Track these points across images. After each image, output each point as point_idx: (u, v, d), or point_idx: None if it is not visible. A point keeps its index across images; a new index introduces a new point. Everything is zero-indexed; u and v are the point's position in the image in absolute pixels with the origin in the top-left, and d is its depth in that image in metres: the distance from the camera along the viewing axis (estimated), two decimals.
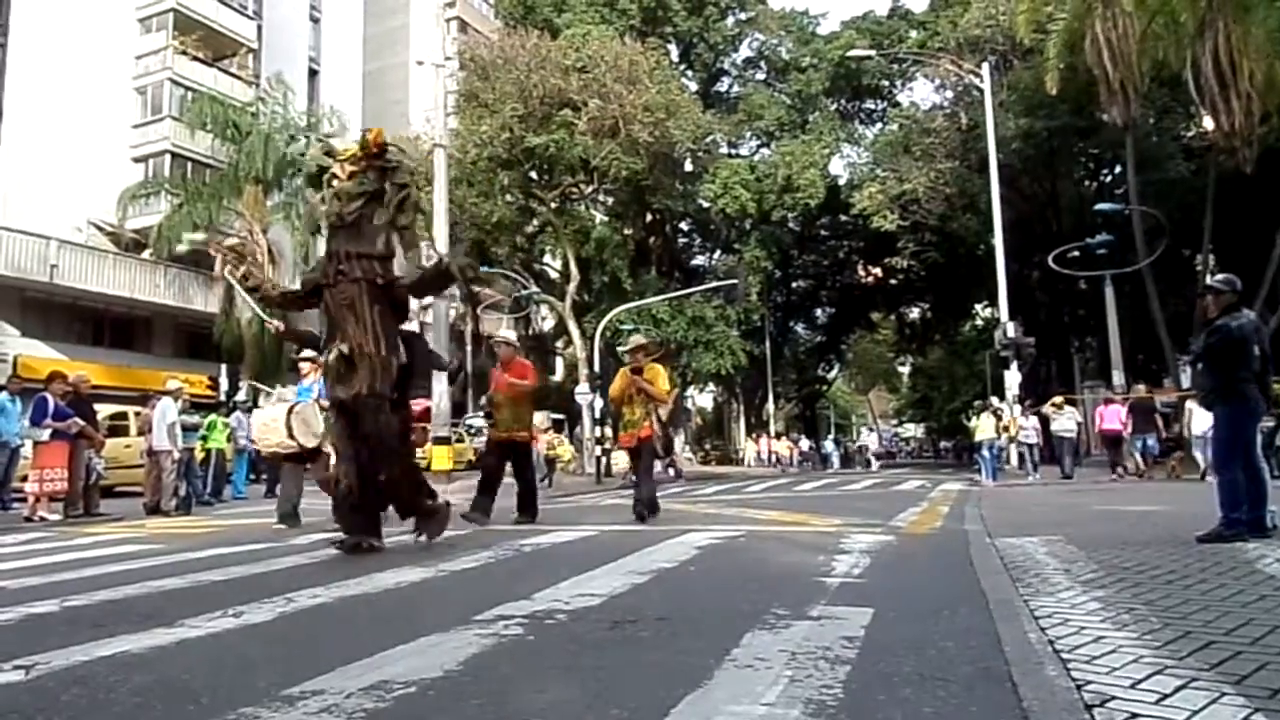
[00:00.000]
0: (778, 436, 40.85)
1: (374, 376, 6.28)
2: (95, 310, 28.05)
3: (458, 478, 20.36)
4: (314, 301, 6.77)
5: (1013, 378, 20.81)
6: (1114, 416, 18.05)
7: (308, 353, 9.02)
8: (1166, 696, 2.36)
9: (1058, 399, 18.64)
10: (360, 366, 6.28)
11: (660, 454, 9.47)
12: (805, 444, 43.50)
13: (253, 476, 17.94)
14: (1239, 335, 5.89)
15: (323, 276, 6.56)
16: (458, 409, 23.78)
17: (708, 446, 48.81)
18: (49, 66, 27.41)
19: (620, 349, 9.30)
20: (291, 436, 8.54)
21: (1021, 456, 19.08)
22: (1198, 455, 16.58)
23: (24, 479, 11.26)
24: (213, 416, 15.88)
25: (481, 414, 10.15)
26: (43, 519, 10.42)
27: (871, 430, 42.37)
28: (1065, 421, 17.70)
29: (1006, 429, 19.00)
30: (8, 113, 27.68)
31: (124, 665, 2.96)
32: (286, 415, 8.66)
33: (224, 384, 26.55)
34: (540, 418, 29.67)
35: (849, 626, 3.36)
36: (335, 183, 6.63)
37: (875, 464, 38.90)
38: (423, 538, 6.70)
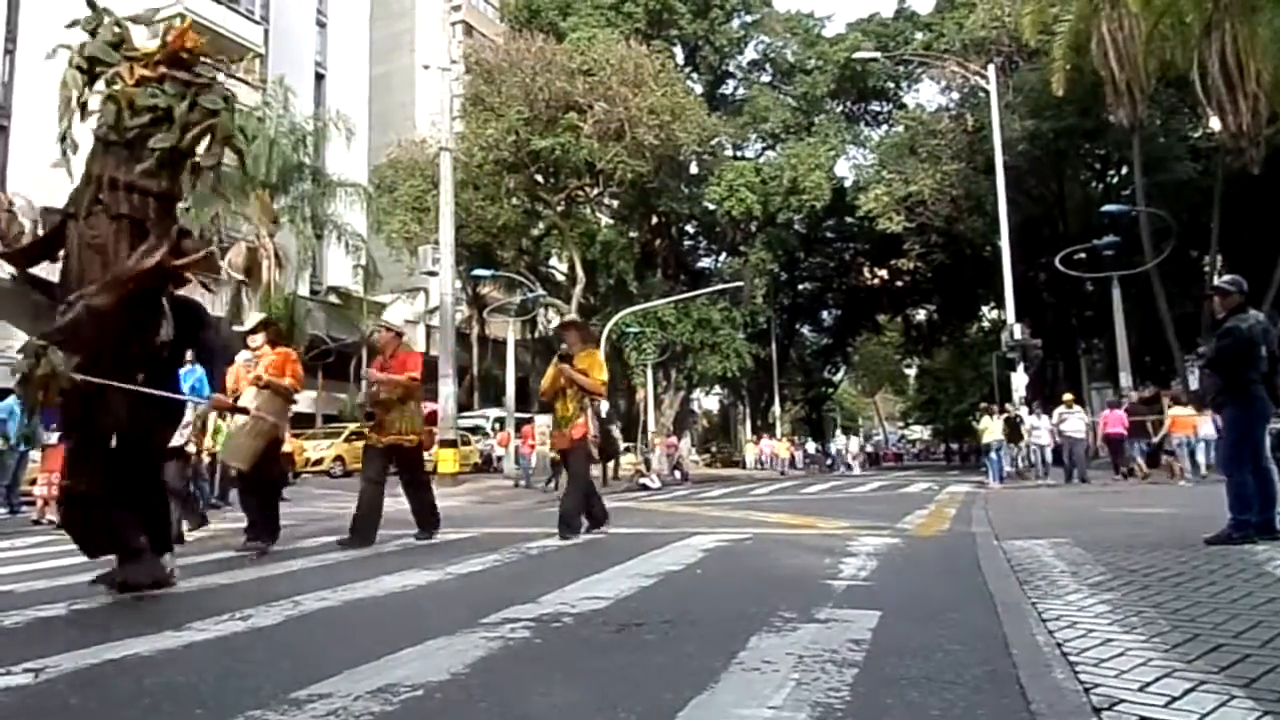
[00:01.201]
0: (781, 437, 40.76)
1: (94, 340, 4.42)
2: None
3: (464, 480, 20.44)
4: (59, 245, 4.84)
5: (1019, 380, 20.73)
6: (1117, 421, 18.27)
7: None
8: (1175, 699, 2.35)
9: (1068, 397, 18.30)
10: (83, 328, 4.39)
11: (596, 457, 8.10)
12: (811, 446, 43.36)
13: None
14: (1249, 337, 5.87)
15: (72, 205, 4.87)
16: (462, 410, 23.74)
17: (713, 449, 48.81)
18: (57, 73, 27.40)
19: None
20: None
21: (1030, 460, 18.90)
22: (1185, 459, 17.22)
23: (32, 482, 11.31)
24: (218, 422, 15.89)
25: (363, 414, 8.26)
26: (51, 522, 10.46)
27: (851, 434, 41.95)
28: (1075, 422, 17.39)
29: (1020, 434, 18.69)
30: (16, 118, 27.82)
31: (132, 668, 2.96)
32: None
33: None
34: (544, 420, 29.85)
35: (856, 629, 3.35)
36: (118, 85, 5.01)
37: (855, 467, 38.45)
38: (99, 586, 4.74)
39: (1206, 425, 17.79)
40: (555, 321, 41.19)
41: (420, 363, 7.73)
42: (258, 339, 7.22)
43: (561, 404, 7.50)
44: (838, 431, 45.37)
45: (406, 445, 7.45)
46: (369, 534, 7.18)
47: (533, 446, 23.20)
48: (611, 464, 21.13)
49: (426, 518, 7.70)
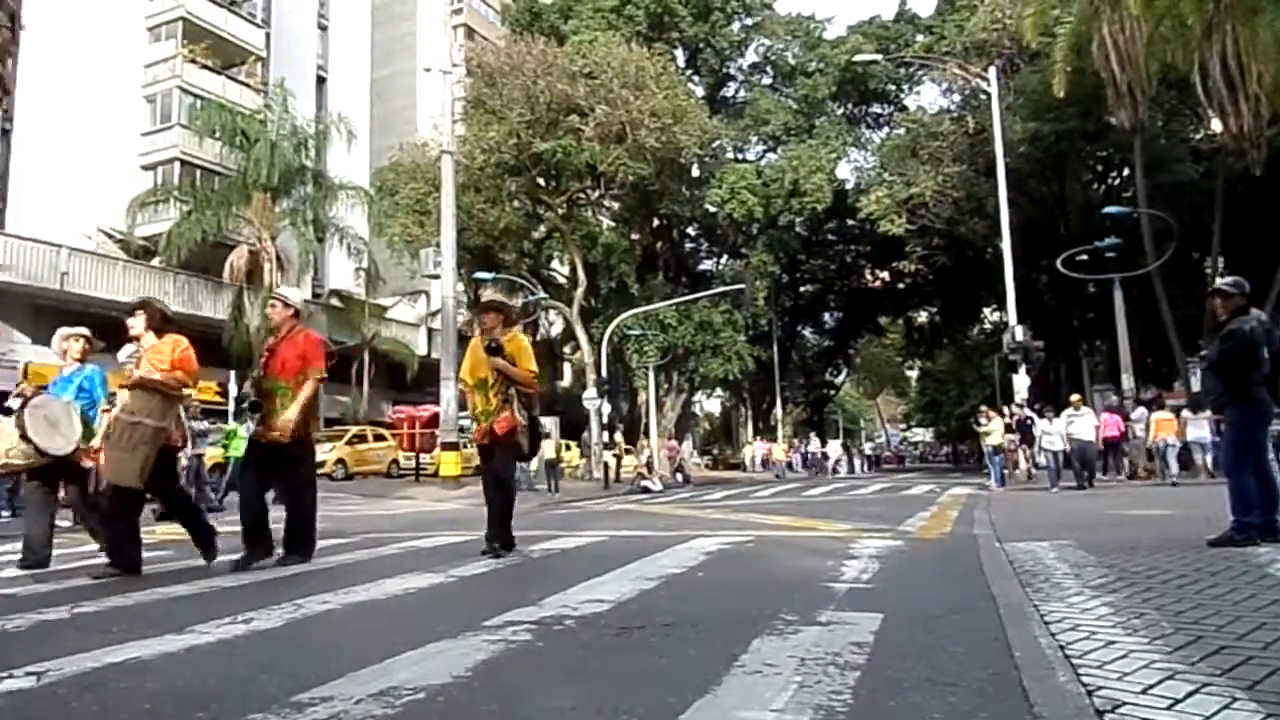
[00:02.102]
0: (783, 440, 40.75)
1: None
2: (105, 317, 28.02)
3: (466, 483, 20.43)
4: None
5: (1021, 382, 20.72)
6: (1114, 424, 18.50)
7: (80, 330, 6.76)
8: (1178, 702, 2.35)
9: (1076, 398, 17.74)
10: None
11: (523, 455, 7.00)
12: (814, 446, 43.21)
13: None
14: (1251, 339, 5.86)
15: None
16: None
17: (715, 452, 48.80)
18: (59, 75, 27.60)
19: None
20: (26, 439, 6.00)
21: (1038, 463, 18.60)
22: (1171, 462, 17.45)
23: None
24: (234, 425, 16.05)
25: (245, 406, 6.99)
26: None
27: (830, 437, 41.59)
28: (1084, 424, 16.69)
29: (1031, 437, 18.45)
30: (18, 121, 27.88)
31: (134, 671, 2.97)
32: (19, 412, 6.17)
33: (233, 390, 26.64)
34: (550, 423, 29.87)
35: (858, 632, 3.35)
36: None
37: (843, 470, 38.17)
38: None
39: (1200, 428, 18.02)
40: (557, 325, 41.44)
41: (321, 351, 6.28)
42: (137, 323, 5.87)
43: (483, 395, 6.49)
44: (813, 434, 44.97)
45: (288, 441, 6.06)
46: (269, 547, 6.13)
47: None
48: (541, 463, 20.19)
49: (297, 536, 6.21)
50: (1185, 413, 18.64)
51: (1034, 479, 18.22)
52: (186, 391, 6.11)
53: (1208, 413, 18.65)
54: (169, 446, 5.89)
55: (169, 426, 5.75)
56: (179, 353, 5.80)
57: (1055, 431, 17.00)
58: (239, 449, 15.52)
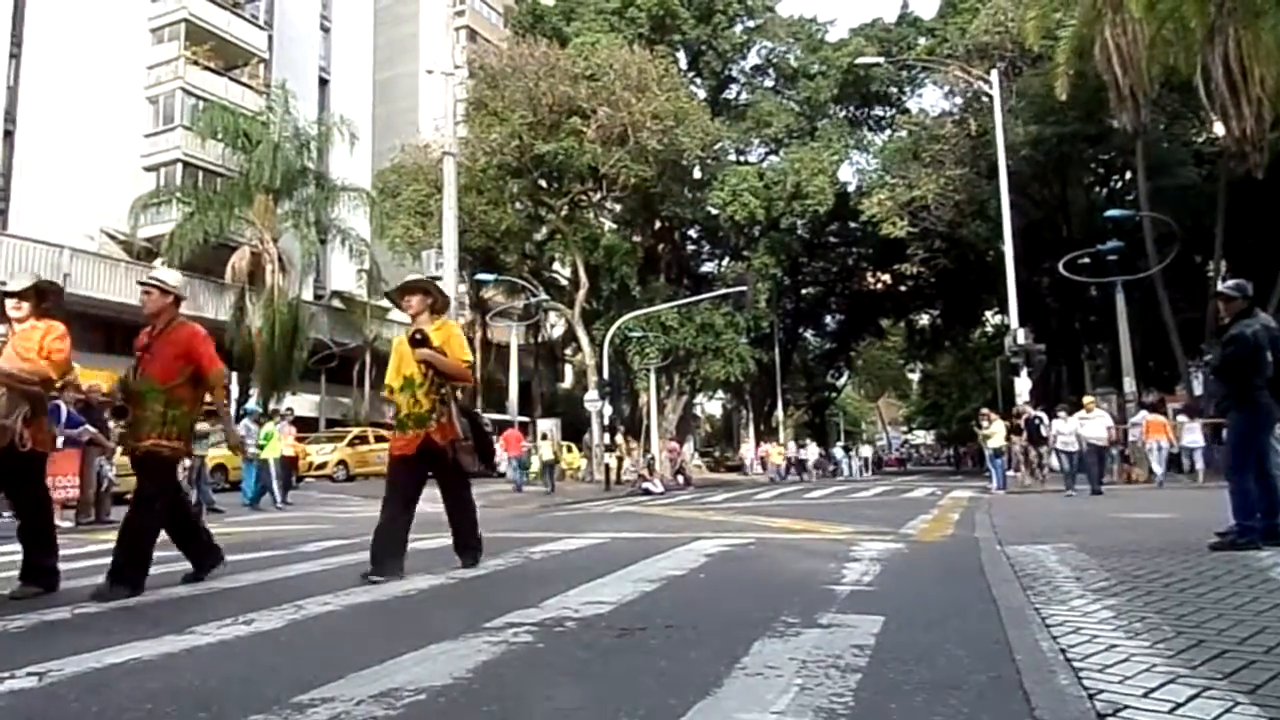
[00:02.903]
0: (785, 442, 40.56)
1: None
2: (107, 318, 28.19)
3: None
4: None
5: (1023, 385, 20.71)
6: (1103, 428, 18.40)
7: None
8: (1179, 705, 2.35)
9: (1089, 399, 16.95)
10: None
11: (472, 467, 5.67)
12: (814, 450, 42.90)
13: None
14: (1255, 342, 5.85)
15: None
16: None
17: (716, 454, 48.75)
18: (62, 77, 27.65)
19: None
20: None
21: (1043, 465, 18.28)
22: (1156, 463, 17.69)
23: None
24: (269, 426, 16.15)
25: (108, 413, 5.50)
26: (56, 526, 10.47)
27: (805, 444, 40.82)
28: (1096, 426, 15.68)
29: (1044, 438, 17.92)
30: (21, 123, 27.94)
31: (135, 672, 2.97)
32: None
33: (235, 391, 26.66)
34: (549, 425, 29.90)
35: (859, 634, 3.35)
36: None
37: (814, 476, 37.29)
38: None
39: (1194, 433, 18.28)
40: (559, 326, 41.43)
41: (207, 344, 5.15)
42: (21, 307, 4.99)
43: (409, 397, 5.43)
44: (851, 437, 44.68)
45: (163, 451, 5.01)
46: (199, 551, 5.45)
47: (522, 450, 23.40)
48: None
49: (203, 558, 5.48)
50: (1180, 417, 19.00)
51: (1042, 480, 17.79)
52: (49, 381, 5.07)
53: (1199, 421, 18.98)
54: (27, 451, 4.83)
55: (13, 425, 4.76)
56: (50, 340, 4.91)
57: (1069, 432, 16.27)
58: (276, 451, 15.70)
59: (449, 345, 5.47)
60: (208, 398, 5.32)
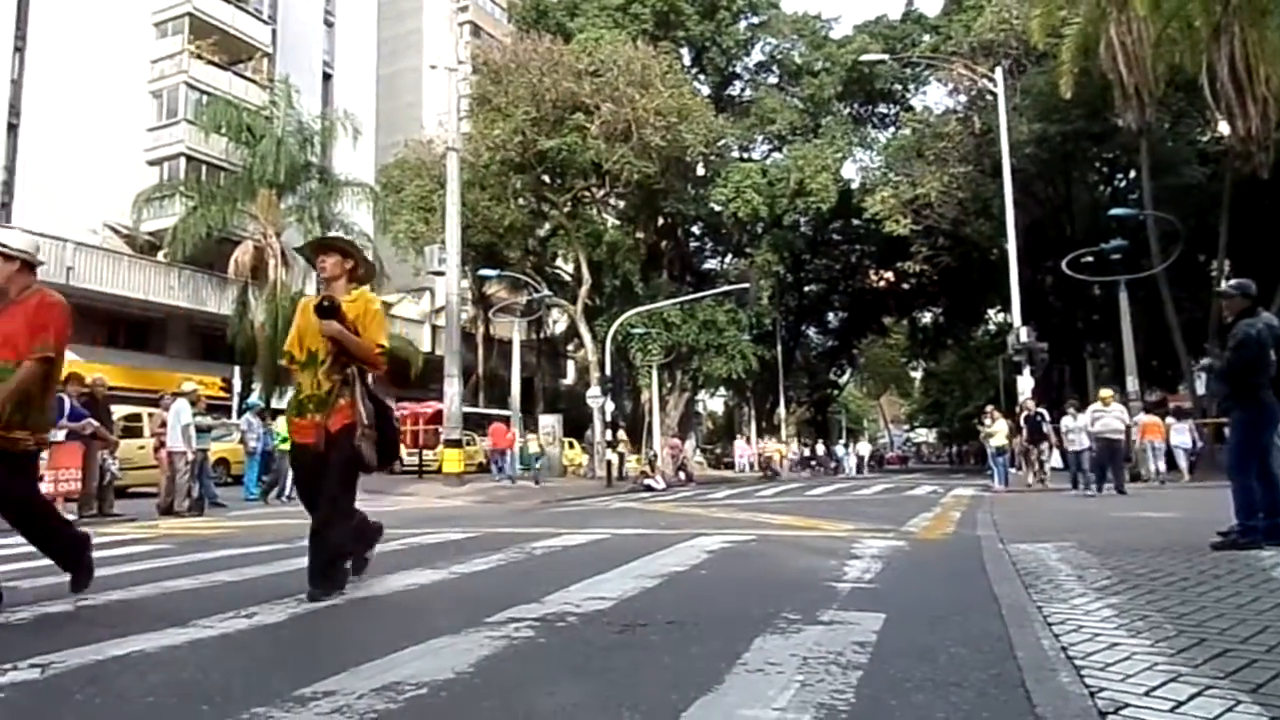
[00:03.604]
0: (787, 440, 40.48)
1: None
2: (111, 312, 28.22)
3: (469, 479, 20.46)
4: None
5: (1026, 383, 20.69)
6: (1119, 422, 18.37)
7: None
8: (1181, 704, 2.35)
9: (1106, 392, 15.70)
10: None
11: (368, 461, 4.54)
12: (819, 448, 42.74)
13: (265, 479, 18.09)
14: (1260, 342, 5.84)
15: None
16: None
17: (718, 451, 48.76)
18: (66, 70, 27.66)
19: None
20: None
21: (1043, 465, 17.77)
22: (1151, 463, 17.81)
23: (40, 479, 11.34)
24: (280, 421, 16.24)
25: None
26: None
27: (782, 442, 39.87)
28: (1112, 420, 14.72)
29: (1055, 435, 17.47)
30: (26, 116, 27.95)
31: (137, 665, 2.97)
32: None
33: (237, 386, 26.70)
34: (551, 421, 29.92)
35: (861, 631, 3.35)
36: None
37: (782, 472, 36.75)
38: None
39: (1182, 434, 18.47)
40: (561, 323, 41.44)
41: (62, 319, 4.39)
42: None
43: (311, 376, 4.57)
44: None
45: (18, 448, 4.28)
46: (68, 558, 4.79)
47: (511, 443, 23.76)
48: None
49: (76, 574, 4.71)
50: (1169, 419, 19.49)
51: (1041, 480, 17.24)
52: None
53: (1190, 422, 19.09)
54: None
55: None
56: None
57: (1079, 428, 15.60)
58: (283, 446, 15.75)
59: (364, 322, 4.55)
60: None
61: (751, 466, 36.63)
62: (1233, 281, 6.36)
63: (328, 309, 4.43)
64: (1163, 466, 17.95)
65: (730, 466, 40.61)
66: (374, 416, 4.55)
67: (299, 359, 4.64)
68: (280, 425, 15.65)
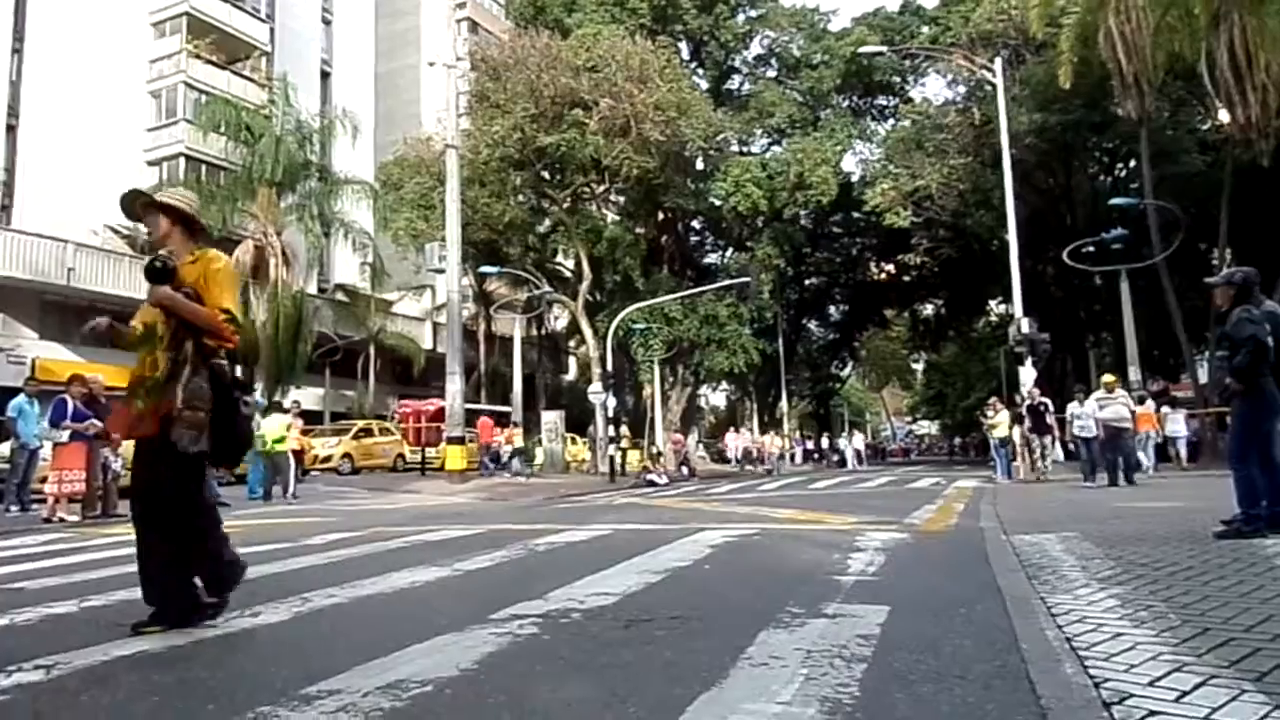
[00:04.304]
0: (789, 432, 40.29)
1: None
2: (111, 313, 27.88)
3: (471, 477, 20.48)
4: None
5: (1028, 374, 20.67)
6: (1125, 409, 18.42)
7: None
8: (1185, 694, 2.35)
9: (1109, 379, 15.09)
10: None
11: (190, 446, 3.54)
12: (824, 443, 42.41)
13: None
14: (1264, 336, 5.82)
15: None
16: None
17: (720, 446, 48.74)
18: (64, 71, 27.65)
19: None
20: None
21: (1050, 455, 17.54)
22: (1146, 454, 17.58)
23: (43, 480, 11.37)
24: (284, 419, 16.18)
25: None
26: (61, 520, 10.52)
27: (776, 433, 38.75)
28: (1118, 408, 14.25)
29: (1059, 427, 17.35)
30: (24, 117, 27.95)
31: (142, 665, 2.98)
32: None
33: None
34: (553, 417, 29.89)
35: (865, 624, 3.35)
36: None
37: (774, 467, 35.56)
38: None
39: (1177, 423, 18.50)
40: (562, 319, 41.40)
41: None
42: None
43: (148, 354, 3.74)
44: (856, 428, 44.13)
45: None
46: None
47: (502, 440, 24.10)
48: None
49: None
50: (1165, 409, 19.51)
51: (1043, 472, 17.00)
52: None
53: (1184, 411, 19.10)
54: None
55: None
56: None
57: (1087, 415, 14.97)
58: (284, 445, 15.77)
59: (206, 283, 3.74)
60: None
61: (746, 457, 35.45)
62: (1224, 273, 6.35)
63: (159, 270, 3.65)
64: (1153, 457, 17.81)
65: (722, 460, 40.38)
66: (209, 401, 3.63)
67: (132, 336, 3.84)
68: (266, 425, 15.60)
